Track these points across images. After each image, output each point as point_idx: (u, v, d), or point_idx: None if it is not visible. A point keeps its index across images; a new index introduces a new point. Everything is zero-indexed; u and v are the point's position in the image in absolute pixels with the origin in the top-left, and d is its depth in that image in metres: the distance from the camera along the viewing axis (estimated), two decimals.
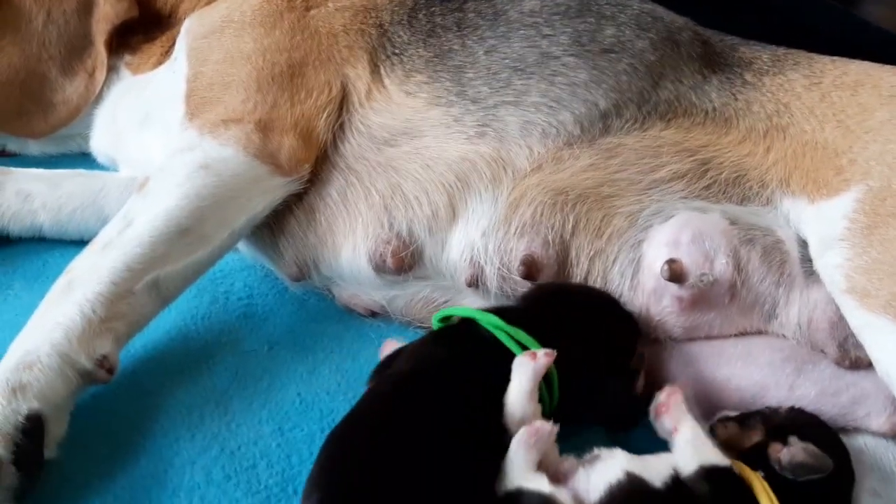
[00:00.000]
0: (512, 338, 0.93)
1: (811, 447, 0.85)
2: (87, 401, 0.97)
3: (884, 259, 0.93)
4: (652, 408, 0.90)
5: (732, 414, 0.93)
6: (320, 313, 1.15)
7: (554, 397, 0.91)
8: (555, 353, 0.88)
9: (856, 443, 0.98)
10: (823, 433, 0.90)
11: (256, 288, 1.17)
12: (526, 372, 0.87)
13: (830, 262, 0.97)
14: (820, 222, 1.02)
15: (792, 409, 0.93)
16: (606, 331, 0.98)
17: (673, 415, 0.88)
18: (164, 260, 0.99)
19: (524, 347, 0.92)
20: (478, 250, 1.06)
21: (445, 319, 1.00)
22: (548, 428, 0.83)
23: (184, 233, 1.00)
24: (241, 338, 1.10)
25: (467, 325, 0.97)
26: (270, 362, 1.06)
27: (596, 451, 0.85)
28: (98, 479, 0.91)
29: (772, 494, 0.82)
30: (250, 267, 1.19)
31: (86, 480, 0.91)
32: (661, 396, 0.90)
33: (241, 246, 1.17)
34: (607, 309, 1.02)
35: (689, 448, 0.84)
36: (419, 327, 1.13)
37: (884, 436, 0.97)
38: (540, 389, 0.88)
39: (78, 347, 0.91)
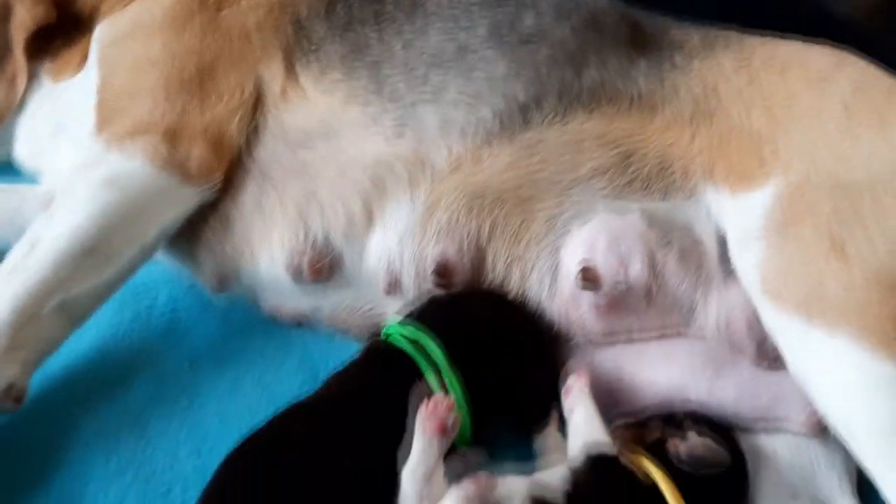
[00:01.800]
0: (423, 352, 0.91)
1: (709, 441, 0.87)
2: None
3: (798, 258, 0.91)
4: (562, 391, 0.95)
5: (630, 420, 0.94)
6: (245, 325, 1.12)
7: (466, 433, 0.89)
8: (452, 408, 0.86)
9: (776, 443, 0.97)
10: (720, 431, 0.91)
11: (181, 301, 1.15)
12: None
13: (748, 262, 0.95)
14: (739, 217, 0.99)
15: (691, 411, 0.93)
16: (512, 336, 0.96)
17: (573, 397, 0.93)
18: (70, 282, 0.97)
19: (434, 365, 0.90)
20: (394, 257, 1.04)
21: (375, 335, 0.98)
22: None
23: (89, 253, 0.98)
24: (163, 355, 1.09)
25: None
26: (191, 380, 1.05)
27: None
28: None
29: (672, 485, 0.84)
30: (175, 279, 1.16)
31: None
32: (568, 381, 0.94)
33: (162, 257, 1.15)
34: (506, 311, 1.00)
35: (580, 429, 0.89)
36: (348, 335, 1.11)
37: (804, 436, 0.96)
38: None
39: None
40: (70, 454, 0.97)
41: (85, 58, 1.24)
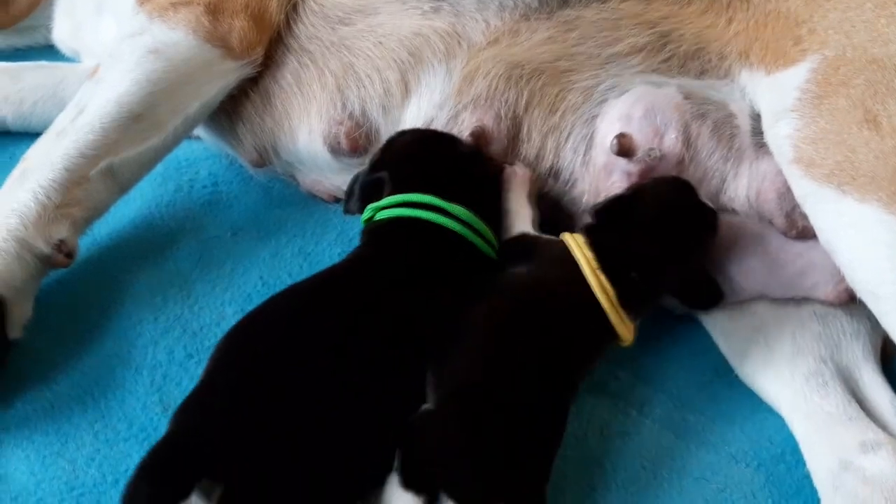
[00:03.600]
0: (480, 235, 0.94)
1: None
2: (54, 285, 1.00)
3: (831, 129, 0.92)
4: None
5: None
6: (284, 200, 1.16)
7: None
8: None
9: (804, 312, 0.99)
10: None
11: (221, 176, 1.18)
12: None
13: (780, 133, 0.96)
14: (773, 93, 1.00)
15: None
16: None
17: (512, 182, 1.00)
18: (118, 146, 0.99)
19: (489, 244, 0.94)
20: (430, 124, 1.06)
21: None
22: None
23: (136, 118, 1.00)
24: (205, 224, 1.12)
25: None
26: (234, 247, 1.09)
27: None
28: (64, 359, 0.95)
29: (588, 253, 0.89)
30: (215, 155, 1.20)
31: (53, 360, 0.95)
32: (518, 169, 1.02)
33: (204, 134, 1.18)
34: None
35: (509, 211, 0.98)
36: None
37: (831, 304, 0.98)
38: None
39: (34, 232, 0.93)
40: (120, 311, 1.01)
41: None
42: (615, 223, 0.93)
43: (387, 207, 0.95)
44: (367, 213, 0.97)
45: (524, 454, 0.80)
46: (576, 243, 0.91)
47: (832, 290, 0.97)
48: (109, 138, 0.99)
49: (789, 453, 0.92)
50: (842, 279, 0.93)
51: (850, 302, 0.95)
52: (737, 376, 1.00)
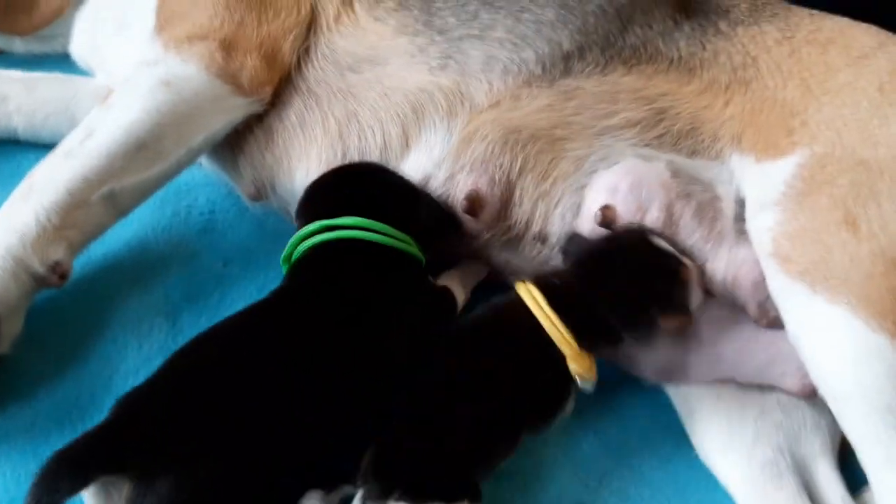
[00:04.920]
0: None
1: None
2: (45, 302, 1.03)
3: (810, 227, 0.95)
4: None
5: None
6: (277, 234, 1.17)
7: None
8: None
9: (768, 400, 1.02)
10: None
11: (219, 204, 1.21)
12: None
13: (761, 225, 0.98)
14: (760, 183, 1.02)
15: None
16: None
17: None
18: (121, 173, 1.02)
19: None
20: (426, 182, 1.08)
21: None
22: None
23: (142, 147, 1.03)
24: (198, 252, 1.15)
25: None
26: (224, 278, 1.12)
27: None
28: (47, 379, 0.99)
29: (535, 291, 0.94)
30: (215, 183, 1.23)
31: (36, 378, 0.98)
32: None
33: (205, 161, 1.20)
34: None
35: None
36: None
37: (795, 395, 1.00)
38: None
39: (31, 252, 0.96)
40: (106, 335, 1.04)
41: None
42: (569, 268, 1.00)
43: (306, 238, 0.98)
44: (287, 251, 0.99)
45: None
46: (524, 286, 0.96)
47: (798, 381, 0.99)
48: (114, 165, 1.01)
49: None
50: (807, 373, 0.95)
51: (814, 395, 0.96)
52: (697, 455, 1.02)
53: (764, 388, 1.02)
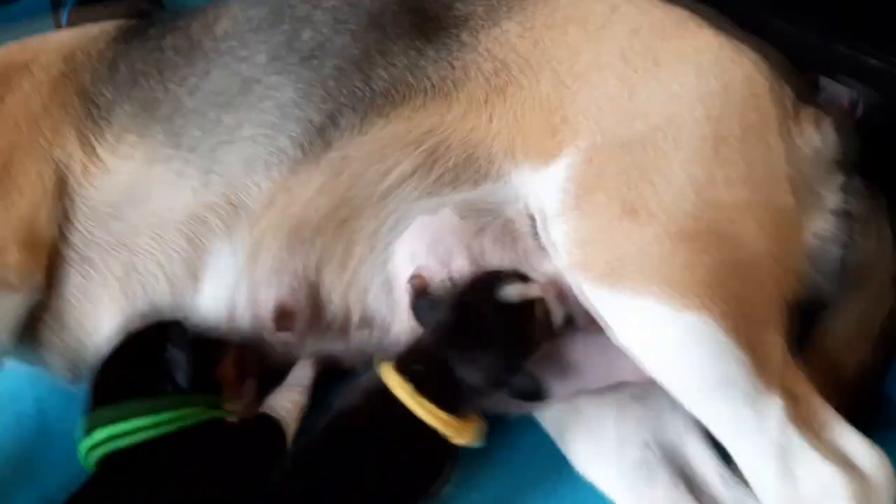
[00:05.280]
0: None
1: None
2: None
3: (595, 227, 0.94)
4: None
5: None
6: None
7: None
8: None
9: (623, 396, 1.03)
10: None
11: (47, 400, 1.16)
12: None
13: (553, 238, 0.98)
14: (540, 195, 1.01)
15: None
16: None
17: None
18: None
19: None
20: (228, 310, 1.05)
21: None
22: None
23: None
24: (38, 461, 1.10)
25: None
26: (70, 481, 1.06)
27: None
28: None
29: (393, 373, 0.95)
30: (36, 378, 1.16)
31: None
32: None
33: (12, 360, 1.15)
34: None
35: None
36: None
37: (643, 384, 1.00)
38: None
39: None
40: None
41: None
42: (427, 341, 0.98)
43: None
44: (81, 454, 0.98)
45: None
46: (385, 369, 0.95)
47: (639, 370, 0.99)
48: None
49: None
50: None
51: None
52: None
53: (617, 385, 1.02)
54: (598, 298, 0.93)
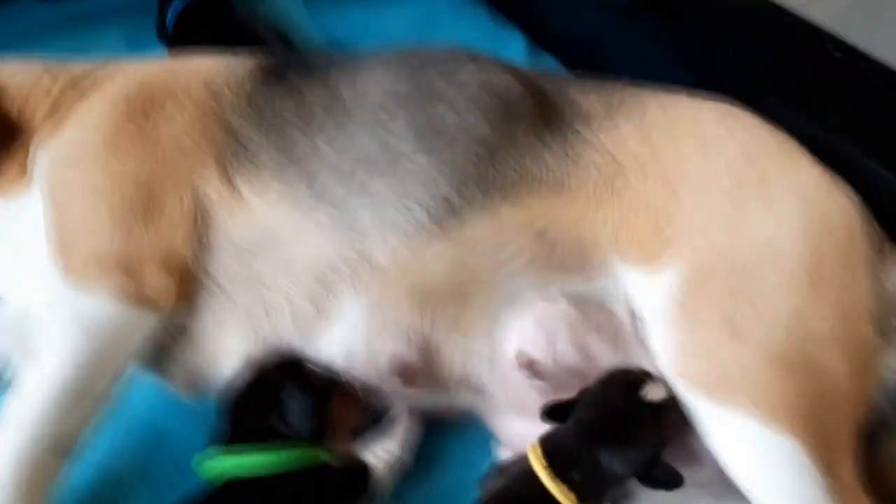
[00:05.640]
0: None
1: None
2: None
3: (698, 340, 1.02)
4: None
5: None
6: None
7: None
8: None
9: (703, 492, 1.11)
10: None
11: (159, 408, 1.24)
12: None
13: (656, 342, 1.06)
14: (645, 298, 1.09)
15: None
16: None
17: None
18: (64, 425, 1.06)
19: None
20: (348, 354, 1.13)
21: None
22: None
23: (79, 398, 1.07)
24: (152, 464, 1.19)
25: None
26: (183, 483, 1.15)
27: None
28: None
29: (542, 461, 1.03)
30: (151, 389, 1.24)
31: None
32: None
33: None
34: None
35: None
36: None
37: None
38: None
39: None
40: None
41: (22, 168, 1.26)
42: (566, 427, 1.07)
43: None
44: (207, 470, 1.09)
45: None
46: (534, 453, 1.04)
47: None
48: (56, 422, 1.05)
49: None
50: None
51: None
52: None
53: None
54: (698, 407, 1.02)
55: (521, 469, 1.04)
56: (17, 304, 1.29)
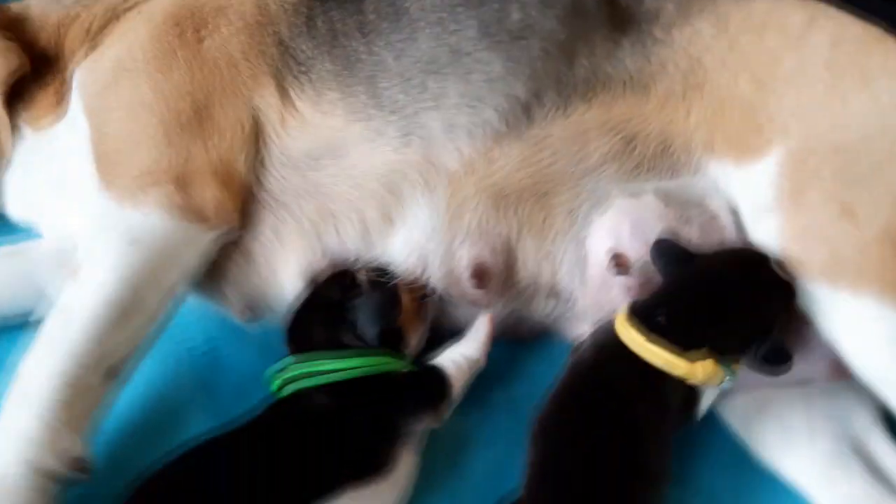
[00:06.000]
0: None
1: None
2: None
3: (811, 225, 0.97)
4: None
5: None
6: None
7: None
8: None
9: (811, 390, 1.04)
10: None
11: (217, 336, 1.17)
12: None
13: (764, 234, 1.01)
14: (748, 190, 1.04)
15: None
16: None
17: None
18: (114, 346, 0.98)
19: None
20: (423, 259, 1.07)
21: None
22: None
23: (127, 315, 0.99)
24: (212, 391, 1.12)
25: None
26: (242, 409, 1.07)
27: None
28: None
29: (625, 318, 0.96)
30: (207, 315, 1.17)
31: None
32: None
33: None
34: None
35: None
36: None
37: (829, 382, 1.03)
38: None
39: (50, 458, 0.92)
40: None
41: (59, 98, 1.21)
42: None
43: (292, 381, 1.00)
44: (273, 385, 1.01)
45: None
46: (621, 317, 0.96)
47: (828, 369, 1.02)
48: (105, 343, 0.97)
49: None
50: (834, 357, 0.98)
51: (846, 377, 0.99)
52: (758, 464, 1.04)
53: (803, 383, 1.04)
54: (814, 294, 0.96)
55: (605, 337, 0.97)
56: (55, 237, 1.22)
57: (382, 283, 1.06)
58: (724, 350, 0.94)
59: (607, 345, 0.96)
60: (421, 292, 1.08)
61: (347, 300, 1.03)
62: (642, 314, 0.95)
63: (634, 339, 0.93)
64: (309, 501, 0.91)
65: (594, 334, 1.00)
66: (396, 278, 1.07)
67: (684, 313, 0.95)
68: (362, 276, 1.06)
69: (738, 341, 0.94)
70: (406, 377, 1.02)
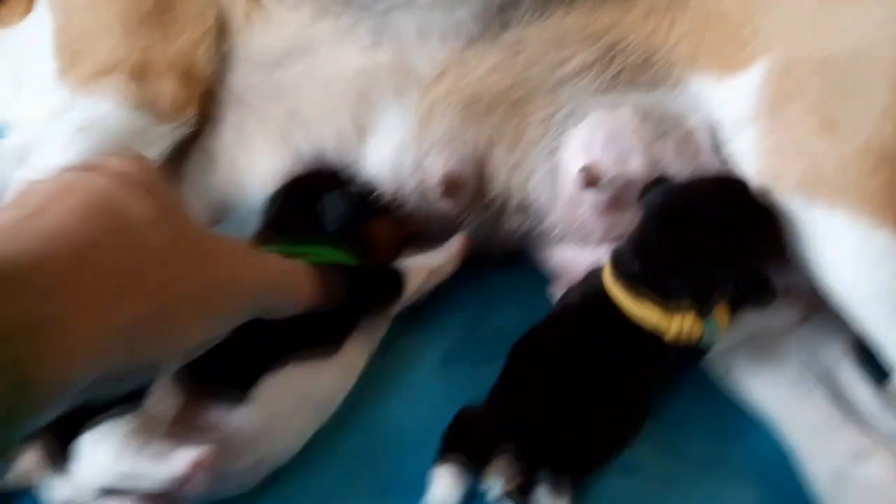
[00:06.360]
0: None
1: None
2: None
3: (791, 137, 0.93)
4: None
5: None
6: None
7: None
8: None
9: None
10: None
11: None
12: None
13: (742, 146, 0.96)
14: (728, 102, 0.99)
15: None
16: None
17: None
18: None
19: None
20: (395, 169, 1.03)
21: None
22: None
23: None
24: None
25: None
26: None
27: None
28: None
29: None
30: None
31: None
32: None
33: None
34: None
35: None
36: None
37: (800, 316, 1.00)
38: None
39: None
40: None
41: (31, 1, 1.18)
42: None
43: None
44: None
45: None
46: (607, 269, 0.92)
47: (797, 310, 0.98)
48: None
49: (787, 465, 0.93)
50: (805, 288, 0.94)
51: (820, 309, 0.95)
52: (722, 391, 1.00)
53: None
54: (788, 208, 0.91)
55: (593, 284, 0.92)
56: (16, 134, 1.19)
57: (363, 188, 1.02)
58: (708, 293, 0.89)
59: (597, 295, 0.91)
60: (403, 225, 1.05)
61: (320, 195, 0.99)
62: (623, 267, 0.90)
63: (622, 300, 0.89)
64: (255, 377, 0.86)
65: (584, 281, 0.95)
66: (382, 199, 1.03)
67: (663, 258, 0.89)
68: (347, 176, 1.03)
69: (720, 276, 0.89)
70: (360, 269, 0.98)
